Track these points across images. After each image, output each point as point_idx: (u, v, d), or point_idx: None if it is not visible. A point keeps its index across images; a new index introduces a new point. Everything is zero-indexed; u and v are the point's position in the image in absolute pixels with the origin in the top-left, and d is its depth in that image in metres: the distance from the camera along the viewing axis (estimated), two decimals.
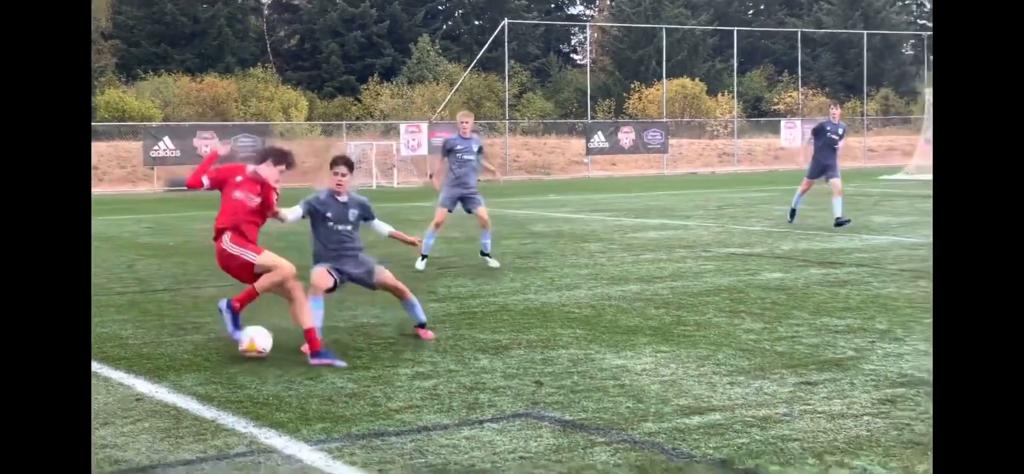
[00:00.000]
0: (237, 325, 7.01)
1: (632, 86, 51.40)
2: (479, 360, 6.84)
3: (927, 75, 52.69)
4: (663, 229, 16.42)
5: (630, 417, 5.44)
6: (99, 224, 19.22)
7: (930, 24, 60.96)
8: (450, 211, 11.65)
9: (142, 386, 6.33)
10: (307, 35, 57.83)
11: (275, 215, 7.07)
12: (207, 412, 5.68)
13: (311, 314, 6.80)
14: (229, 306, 7.05)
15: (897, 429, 5.16)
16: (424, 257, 11.36)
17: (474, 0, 58.55)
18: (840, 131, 16.32)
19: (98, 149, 37.12)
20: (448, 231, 13.45)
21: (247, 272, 6.96)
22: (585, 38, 57.65)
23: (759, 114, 53.92)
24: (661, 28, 49.51)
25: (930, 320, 7.97)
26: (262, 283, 6.90)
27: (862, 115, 49.05)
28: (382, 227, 7.51)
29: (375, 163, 34.65)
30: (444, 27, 59.94)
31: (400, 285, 7.42)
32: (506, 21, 43.47)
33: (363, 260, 7.28)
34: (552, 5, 62.50)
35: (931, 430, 5.13)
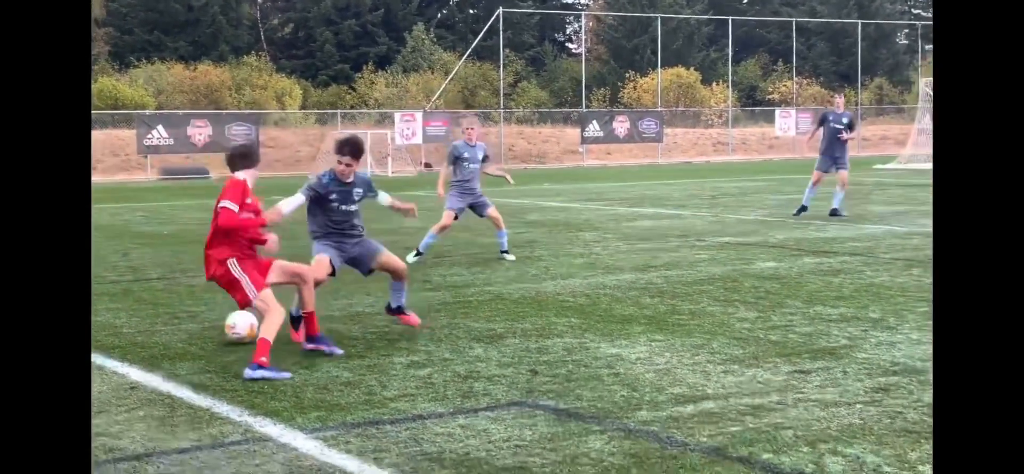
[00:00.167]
0: (324, 341, 6.69)
1: (627, 75, 51.38)
2: (474, 349, 6.85)
3: (921, 64, 52.71)
4: (658, 218, 16.44)
5: (624, 405, 5.46)
6: (93, 213, 19.17)
7: (924, 14, 61.03)
8: (457, 218, 11.57)
9: (136, 374, 6.33)
10: (301, 23, 57.67)
11: (267, 222, 6.50)
12: (202, 401, 5.68)
13: (275, 328, 6.31)
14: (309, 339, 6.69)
15: (890, 417, 5.19)
16: (419, 254, 11.25)
17: None
18: (844, 120, 15.98)
19: (92, 137, 37.01)
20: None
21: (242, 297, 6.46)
22: (580, 27, 57.56)
23: (754, 103, 53.95)
24: (656, 17, 49.46)
25: (923, 309, 8.01)
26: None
27: (856, 104, 49.09)
28: (383, 198, 7.35)
29: (370, 152, 34.60)
30: (439, 15, 59.80)
31: (400, 265, 7.24)
32: (501, 10, 43.37)
33: (365, 242, 7.15)
34: None
35: (924, 418, 5.16)
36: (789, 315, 7.91)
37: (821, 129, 16.23)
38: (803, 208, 15.89)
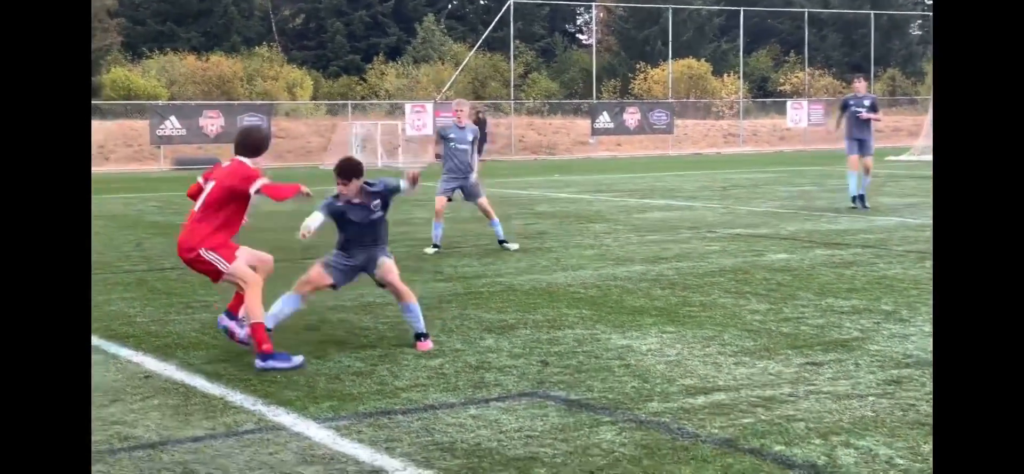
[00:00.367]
0: (236, 327, 6.58)
1: (638, 66, 51.26)
2: (485, 340, 6.87)
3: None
4: (668, 210, 16.42)
5: (636, 397, 5.47)
6: (106, 203, 19.26)
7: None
8: (450, 199, 11.61)
9: (151, 363, 6.37)
10: (312, 14, 57.71)
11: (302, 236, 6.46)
12: (215, 389, 5.72)
13: (258, 301, 6.22)
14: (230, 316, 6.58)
15: (902, 410, 5.18)
16: (436, 246, 11.39)
17: None
18: (866, 104, 15.63)
19: (105, 128, 37.14)
20: (455, 212, 13.46)
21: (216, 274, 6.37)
22: (591, 18, 57.43)
23: (765, 95, 53.77)
24: (667, 8, 49.31)
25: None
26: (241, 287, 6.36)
27: None
28: (402, 187, 6.84)
29: (380, 143, 34.64)
30: (449, 6, 59.77)
31: (401, 287, 6.79)
32: (511, 0, 43.32)
33: (373, 253, 6.76)
34: None
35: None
36: (801, 307, 7.90)
37: (844, 116, 15.88)
38: (859, 198, 15.39)
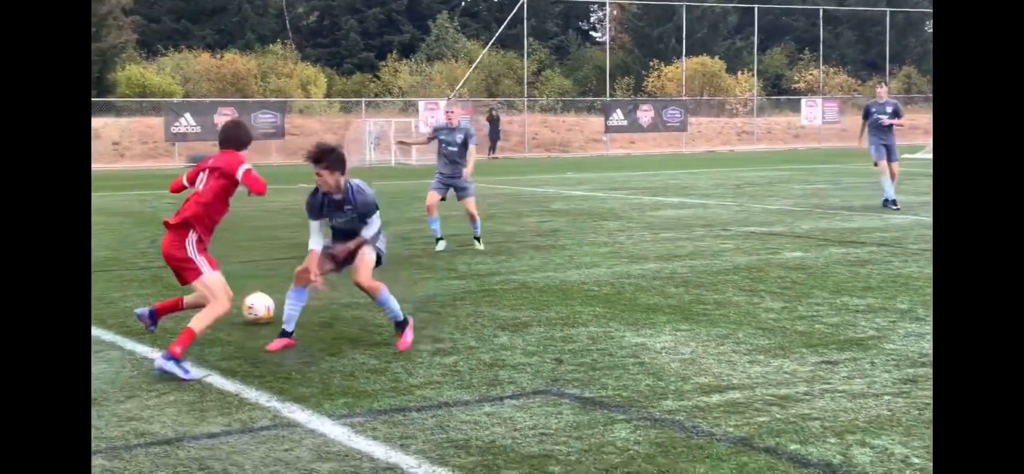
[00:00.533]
0: (152, 324, 6.65)
1: (651, 64, 51.16)
2: (499, 337, 6.87)
3: None
4: (682, 208, 16.39)
5: (650, 395, 5.46)
6: (121, 200, 19.36)
7: None
8: (443, 197, 11.67)
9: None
10: (326, 12, 57.84)
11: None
12: (231, 386, 5.74)
13: (208, 322, 6.16)
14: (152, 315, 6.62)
15: (918, 409, 5.16)
16: (439, 239, 11.47)
17: None
18: (888, 109, 15.53)
19: (120, 125, 37.35)
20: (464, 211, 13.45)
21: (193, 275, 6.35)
22: (604, 15, 57.34)
23: (779, 92, 53.58)
24: (681, 5, 49.19)
25: None
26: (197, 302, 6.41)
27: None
28: (369, 230, 6.62)
29: (394, 140, 34.69)
30: (463, 4, 59.79)
31: (369, 284, 6.58)
32: None
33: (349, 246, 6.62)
34: None
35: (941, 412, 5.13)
36: (816, 305, 7.87)
37: (866, 124, 15.77)
38: (892, 201, 15.24)
